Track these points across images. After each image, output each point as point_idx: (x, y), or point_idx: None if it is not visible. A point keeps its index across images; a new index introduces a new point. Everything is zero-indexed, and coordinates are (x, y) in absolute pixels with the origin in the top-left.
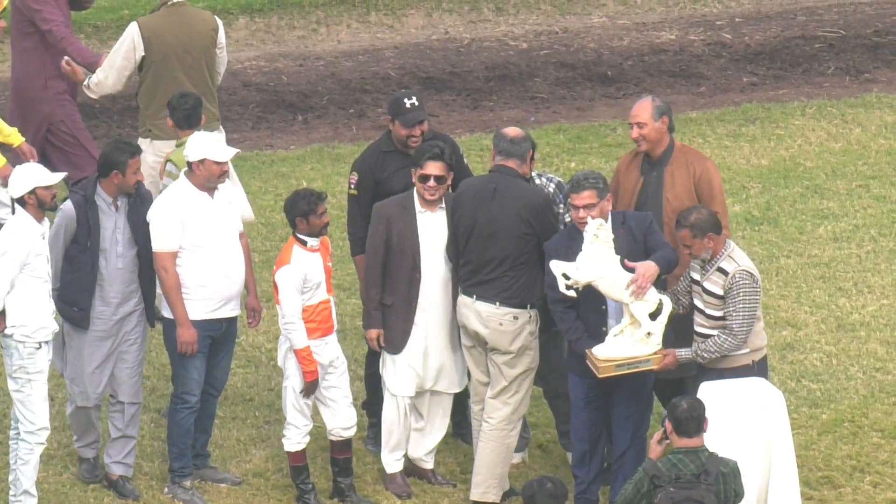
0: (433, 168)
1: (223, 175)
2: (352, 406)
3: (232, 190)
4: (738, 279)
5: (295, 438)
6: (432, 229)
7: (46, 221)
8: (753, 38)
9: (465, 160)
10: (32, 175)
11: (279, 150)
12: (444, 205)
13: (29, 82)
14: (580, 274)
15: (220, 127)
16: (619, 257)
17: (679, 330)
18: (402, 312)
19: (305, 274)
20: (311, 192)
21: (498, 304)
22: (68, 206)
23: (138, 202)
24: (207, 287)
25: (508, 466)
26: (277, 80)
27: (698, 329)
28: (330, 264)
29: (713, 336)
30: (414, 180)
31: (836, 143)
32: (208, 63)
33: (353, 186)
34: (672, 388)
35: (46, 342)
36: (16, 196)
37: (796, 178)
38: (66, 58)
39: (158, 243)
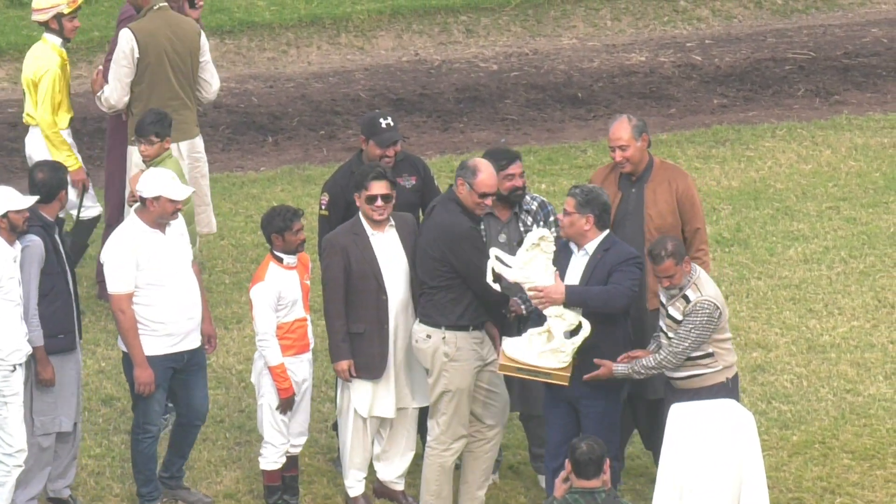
0: (378, 188)
1: (176, 213)
2: (306, 427)
3: (182, 222)
4: (698, 307)
5: (272, 457)
6: (386, 249)
7: (18, 244)
8: (723, 59)
9: (436, 182)
10: (4, 199)
11: (249, 172)
12: (392, 223)
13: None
14: (509, 272)
15: (199, 134)
16: (554, 269)
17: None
18: (377, 337)
19: (280, 291)
20: (288, 208)
21: (418, 320)
22: (35, 239)
23: (60, 220)
24: (167, 324)
25: (444, 486)
26: (248, 101)
27: None
28: (308, 282)
29: (656, 355)
30: (359, 203)
31: (806, 164)
32: (193, 65)
33: (323, 207)
34: (647, 407)
35: (20, 364)
36: None
37: (766, 199)
38: (100, 67)
39: (114, 285)
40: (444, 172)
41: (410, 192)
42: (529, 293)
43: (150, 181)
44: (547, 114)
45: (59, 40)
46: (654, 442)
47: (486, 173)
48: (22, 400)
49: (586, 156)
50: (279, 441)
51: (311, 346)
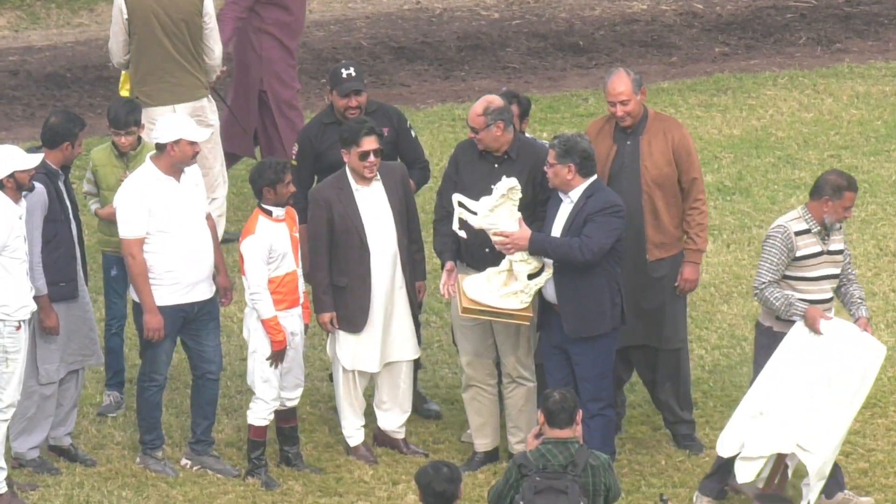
0: (371, 143)
1: (195, 156)
2: (302, 378)
3: (198, 172)
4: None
5: (261, 413)
6: (371, 204)
7: (23, 202)
8: (725, 7)
9: (413, 133)
10: (11, 158)
11: None
12: (379, 177)
13: (244, 49)
14: (474, 218)
15: (209, 96)
16: (519, 215)
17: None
18: (359, 291)
19: (271, 244)
20: (277, 161)
21: None
22: (38, 187)
23: (66, 169)
24: (175, 272)
25: (471, 418)
26: None
27: (829, 295)
28: (297, 234)
29: (852, 289)
30: (347, 159)
31: (807, 113)
32: (191, 30)
33: (294, 157)
34: (648, 357)
35: (26, 321)
36: None
37: (768, 148)
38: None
39: (125, 230)
40: (446, 121)
41: (383, 143)
42: (495, 238)
43: (168, 125)
44: (548, 62)
45: None
46: (662, 393)
47: (472, 108)
48: (24, 357)
49: (587, 104)
50: (270, 396)
51: (302, 300)
